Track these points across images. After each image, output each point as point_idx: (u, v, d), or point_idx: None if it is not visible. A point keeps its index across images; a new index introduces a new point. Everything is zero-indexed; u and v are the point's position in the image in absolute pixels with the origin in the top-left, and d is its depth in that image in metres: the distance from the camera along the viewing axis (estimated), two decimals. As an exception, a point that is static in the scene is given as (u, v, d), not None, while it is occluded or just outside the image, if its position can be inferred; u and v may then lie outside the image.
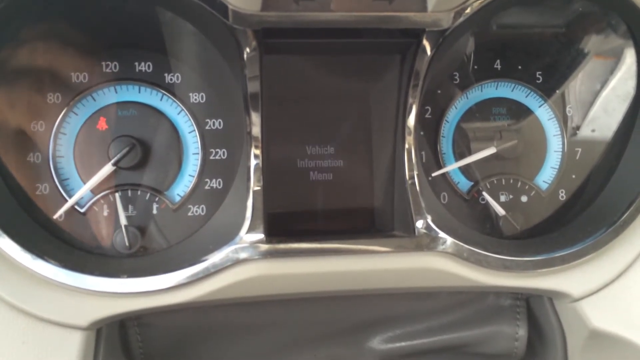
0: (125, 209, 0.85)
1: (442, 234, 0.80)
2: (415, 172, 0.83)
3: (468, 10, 0.76)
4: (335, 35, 0.79)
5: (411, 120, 0.83)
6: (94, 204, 0.85)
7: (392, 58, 0.86)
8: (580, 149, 0.98)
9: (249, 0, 0.70)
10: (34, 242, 0.75)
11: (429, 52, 0.80)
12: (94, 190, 0.84)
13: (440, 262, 0.80)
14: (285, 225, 0.88)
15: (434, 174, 0.93)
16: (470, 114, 0.96)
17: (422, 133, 0.94)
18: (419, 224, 0.81)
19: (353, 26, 0.75)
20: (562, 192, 0.98)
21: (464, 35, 0.88)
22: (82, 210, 0.84)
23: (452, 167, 0.94)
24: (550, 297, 0.90)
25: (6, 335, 0.72)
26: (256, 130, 0.79)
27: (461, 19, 0.76)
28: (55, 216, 0.83)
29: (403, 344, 0.94)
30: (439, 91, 0.95)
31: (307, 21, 0.73)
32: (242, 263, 0.76)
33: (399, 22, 0.75)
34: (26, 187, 0.83)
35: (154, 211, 0.86)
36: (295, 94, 0.90)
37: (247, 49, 0.75)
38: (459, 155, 0.95)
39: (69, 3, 0.78)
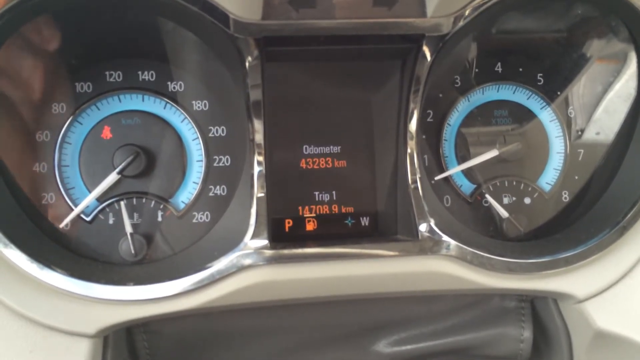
0: (131, 216, 0.85)
1: (445, 238, 0.81)
2: (418, 176, 0.84)
3: (467, 13, 0.76)
4: (336, 42, 0.79)
5: (413, 125, 0.84)
6: (99, 212, 0.85)
7: (392, 64, 0.87)
8: (582, 150, 0.98)
9: (250, 10, 0.71)
10: (40, 252, 0.76)
11: (429, 58, 0.80)
12: (100, 199, 0.85)
13: (444, 266, 0.81)
14: (289, 230, 0.88)
15: (436, 178, 0.93)
16: (472, 117, 0.96)
17: (424, 137, 0.94)
18: (423, 227, 0.82)
19: (353, 33, 0.75)
20: (565, 193, 0.98)
21: (464, 39, 0.88)
22: (87, 219, 0.85)
23: (454, 170, 0.94)
24: (555, 298, 0.90)
25: (14, 344, 0.73)
26: (259, 137, 0.79)
27: (461, 24, 0.77)
28: (62, 225, 0.83)
29: (409, 347, 0.94)
30: (441, 95, 0.95)
31: (308, 29, 0.74)
32: (246, 269, 0.76)
33: (398, 27, 0.75)
34: (32, 197, 0.83)
35: (159, 218, 0.87)
36: (297, 100, 0.90)
37: (249, 58, 0.76)
38: (461, 159, 0.95)
39: (72, 14, 0.79)
